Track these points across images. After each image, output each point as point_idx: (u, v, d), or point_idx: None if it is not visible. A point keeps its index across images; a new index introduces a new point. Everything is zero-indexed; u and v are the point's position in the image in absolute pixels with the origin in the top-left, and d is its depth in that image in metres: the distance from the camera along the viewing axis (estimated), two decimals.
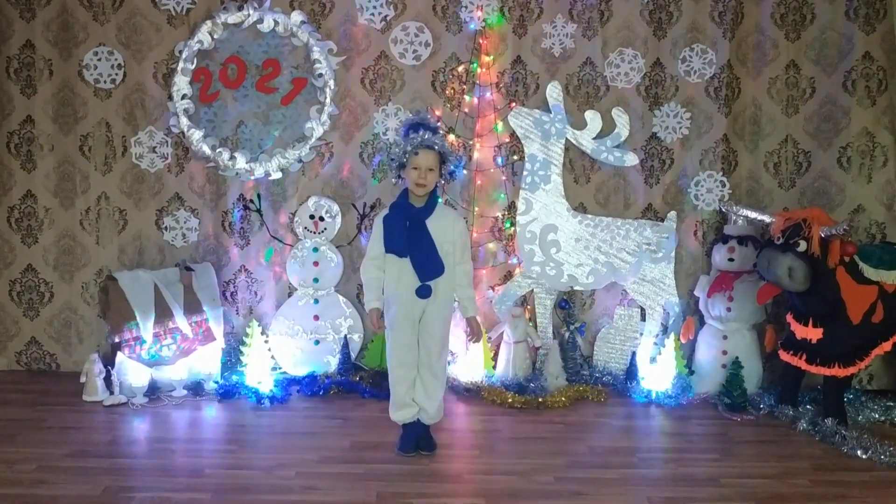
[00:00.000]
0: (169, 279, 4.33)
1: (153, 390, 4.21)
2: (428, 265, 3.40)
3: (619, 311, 4.60)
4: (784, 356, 4.03)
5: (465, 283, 3.52)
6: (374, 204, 4.58)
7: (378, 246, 3.47)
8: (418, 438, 3.55)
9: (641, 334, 4.57)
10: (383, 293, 3.51)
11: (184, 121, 4.46)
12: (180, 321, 4.26)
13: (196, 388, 4.27)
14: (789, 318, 3.95)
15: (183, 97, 4.45)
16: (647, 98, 4.57)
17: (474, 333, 3.58)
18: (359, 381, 4.37)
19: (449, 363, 4.26)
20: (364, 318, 4.49)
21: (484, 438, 3.81)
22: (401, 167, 3.41)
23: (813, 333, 3.81)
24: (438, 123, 3.48)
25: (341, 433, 3.79)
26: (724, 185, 4.57)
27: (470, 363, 4.43)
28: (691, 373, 4.46)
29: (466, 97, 4.53)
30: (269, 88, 4.50)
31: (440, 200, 3.55)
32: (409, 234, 3.38)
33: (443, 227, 3.41)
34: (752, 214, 4.11)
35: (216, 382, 4.33)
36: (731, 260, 4.32)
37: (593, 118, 4.51)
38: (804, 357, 3.89)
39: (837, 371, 3.78)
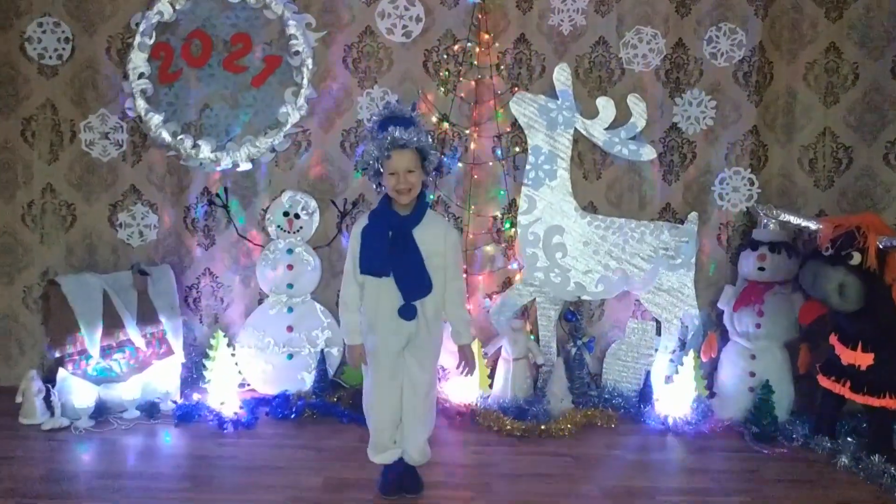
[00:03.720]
0: (121, 284, 3.80)
1: (101, 411, 3.69)
2: (414, 282, 2.89)
3: (631, 323, 4.09)
4: (824, 382, 3.52)
5: (458, 302, 3.00)
6: (357, 200, 4.05)
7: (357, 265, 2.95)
8: (402, 478, 3.04)
9: (656, 350, 4.06)
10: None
11: (141, 103, 3.91)
12: (132, 333, 3.73)
13: (150, 410, 3.75)
14: (833, 339, 3.44)
15: (140, 76, 3.90)
16: (667, 84, 4.05)
17: (468, 366, 3.06)
18: (337, 401, 3.84)
19: (439, 378, 3.77)
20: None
21: (478, 475, 3.29)
22: (377, 174, 2.88)
23: (862, 359, 3.29)
24: (414, 113, 2.93)
25: (314, 467, 3.28)
26: (752, 184, 4.06)
27: (463, 382, 3.90)
28: (712, 395, 3.95)
29: (463, 80, 3.99)
30: (238, 67, 3.97)
31: (430, 206, 3.01)
32: (392, 246, 2.87)
33: (432, 238, 2.90)
34: (795, 220, 3.59)
35: (174, 402, 3.81)
36: (761, 269, 3.80)
37: (606, 106, 3.98)
38: (848, 384, 3.38)
39: (889, 402, 3.27)
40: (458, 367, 3.07)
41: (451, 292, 2.97)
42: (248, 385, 4.04)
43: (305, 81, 3.94)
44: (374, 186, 2.95)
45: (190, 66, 3.97)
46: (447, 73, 4.00)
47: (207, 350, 3.98)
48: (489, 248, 4.11)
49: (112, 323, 3.70)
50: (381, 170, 2.84)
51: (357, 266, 2.92)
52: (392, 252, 2.86)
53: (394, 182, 2.82)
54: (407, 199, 2.85)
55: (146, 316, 3.80)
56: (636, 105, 3.99)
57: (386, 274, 2.86)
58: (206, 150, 3.95)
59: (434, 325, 2.97)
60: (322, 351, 4.00)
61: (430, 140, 2.92)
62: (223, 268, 4.11)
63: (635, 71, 4.03)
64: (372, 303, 2.92)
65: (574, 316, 4.06)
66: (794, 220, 3.59)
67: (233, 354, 3.99)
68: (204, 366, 3.95)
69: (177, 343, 3.89)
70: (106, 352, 3.69)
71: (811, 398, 3.82)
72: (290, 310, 4.03)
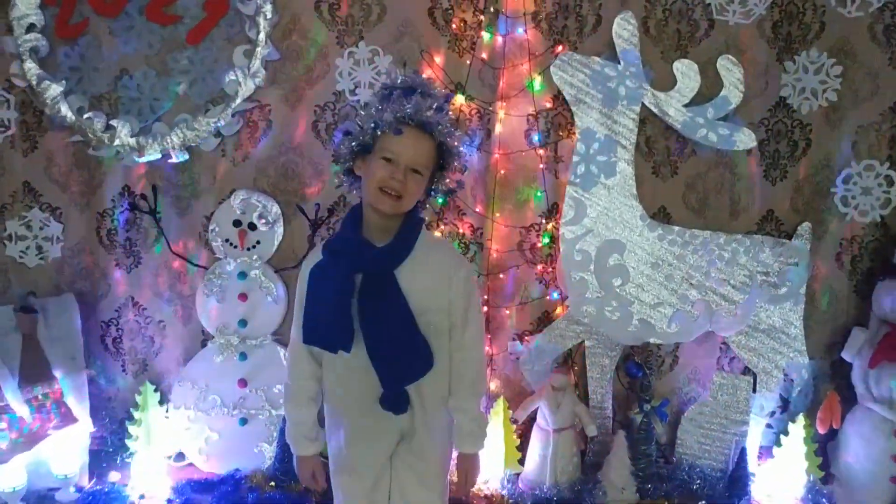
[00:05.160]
0: None
1: None
2: (400, 359, 1.81)
3: (717, 378, 2.94)
4: None
5: (469, 385, 1.91)
6: (335, 204, 2.91)
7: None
8: None
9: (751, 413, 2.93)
10: (322, 416, 1.92)
11: (31, 67, 2.79)
12: (11, 397, 2.62)
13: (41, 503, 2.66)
14: None
15: (29, 29, 2.78)
16: (774, 42, 2.88)
17: (466, 481, 1.95)
18: (305, 492, 2.72)
19: None
20: None
21: None
22: (362, 150, 1.76)
23: None
24: (447, 102, 1.82)
25: None
26: (890, 184, 2.91)
27: (483, 457, 2.77)
28: (828, 478, 2.84)
29: (485, 35, 2.83)
30: (166, 17, 2.84)
31: (424, 224, 1.89)
32: (362, 298, 1.77)
33: (431, 280, 1.82)
34: None
35: (77, 489, 2.72)
36: None
37: (687, 73, 2.84)
38: None
39: None
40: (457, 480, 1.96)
41: (460, 367, 1.87)
42: (186, 459, 2.93)
43: (262, 37, 2.80)
44: (342, 176, 1.87)
45: (99, 14, 2.83)
46: (462, 25, 2.84)
47: (132, 410, 2.88)
48: (520, 271, 2.97)
49: None
50: (372, 147, 1.77)
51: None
52: (361, 309, 1.76)
53: (386, 173, 1.74)
54: (391, 210, 1.77)
55: (34, 371, 2.69)
56: (730, 72, 2.83)
57: (345, 347, 1.76)
58: (124, 134, 2.83)
59: (439, 417, 1.90)
60: None
61: (461, 149, 1.79)
62: (153, 295, 2.98)
63: (729, 23, 2.87)
64: (338, 386, 1.86)
65: (640, 369, 2.92)
66: None
67: (166, 415, 2.90)
68: (127, 432, 2.85)
69: (81, 406, 2.79)
70: None
71: None
72: (244, 357, 2.91)
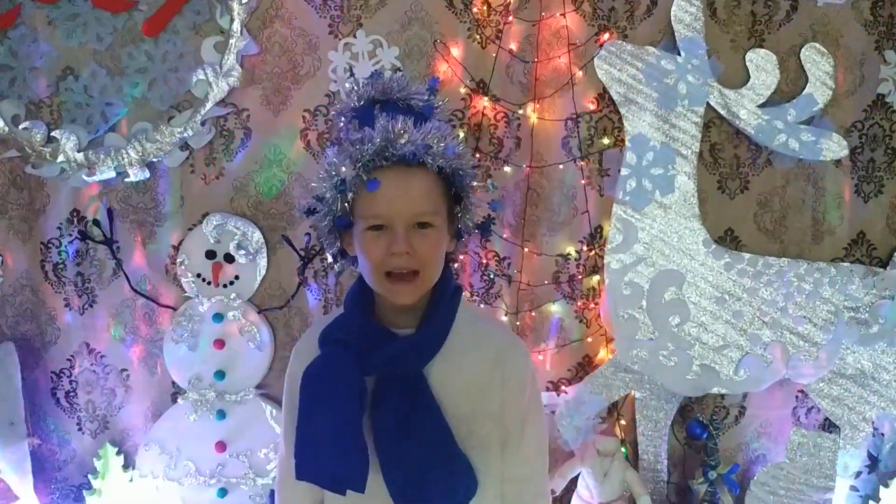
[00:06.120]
0: None
1: None
2: (435, 487, 1.27)
3: (795, 435, 2.45)
4: None
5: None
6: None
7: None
8: None
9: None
10: None
11: None
12: None
13: None
14: None
15: None
16: (872, 26, 2.36)
17: None
18: None
19: None
20: None
21: None
22: (340, 225, 1.29)
23: None
24: (432, 97, 1.29)
25: None
26: None
27: None
28: None
29: (513, 22, 2.31)
30: (119, 2, 2.32)
31: (460, 294, 1.37)
32: (375, 412, 1.28)
33: (476, 376, 1.33)
34: None
35: None
36: None
37: (763, 66, 2.33)
38: None
39: None
40: None
41: (519, 488, 1.38)
42: None
43: (237, 26, 2.27)
44: (330, 258, 1.38)
45: None
46: (486, 8, 2.31)
47: (90, 476, 2.42)
48: (555, 308, 2.46)
49: None
50: (350, 215, 1.26)
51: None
52: (376, 426, 1.28)
53: (382, 249, 1.24)
54: (413, 297, 1.27)
55: None
56: (816, 64, 2.33)
57: (357, 486, 1.24)
58: (69, 148, 2.33)
59: None
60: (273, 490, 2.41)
61: (469, 156, 1.27)
62: (112, 341, 2.49)
63: (818, 4, 2.33)
64: None
65: (704, 429, 2.42)
66: None
67: (130, 480, 2.44)
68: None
69: (23, 482, 2.32)
70: None
71: None
72: (222, 415, 2.42)
